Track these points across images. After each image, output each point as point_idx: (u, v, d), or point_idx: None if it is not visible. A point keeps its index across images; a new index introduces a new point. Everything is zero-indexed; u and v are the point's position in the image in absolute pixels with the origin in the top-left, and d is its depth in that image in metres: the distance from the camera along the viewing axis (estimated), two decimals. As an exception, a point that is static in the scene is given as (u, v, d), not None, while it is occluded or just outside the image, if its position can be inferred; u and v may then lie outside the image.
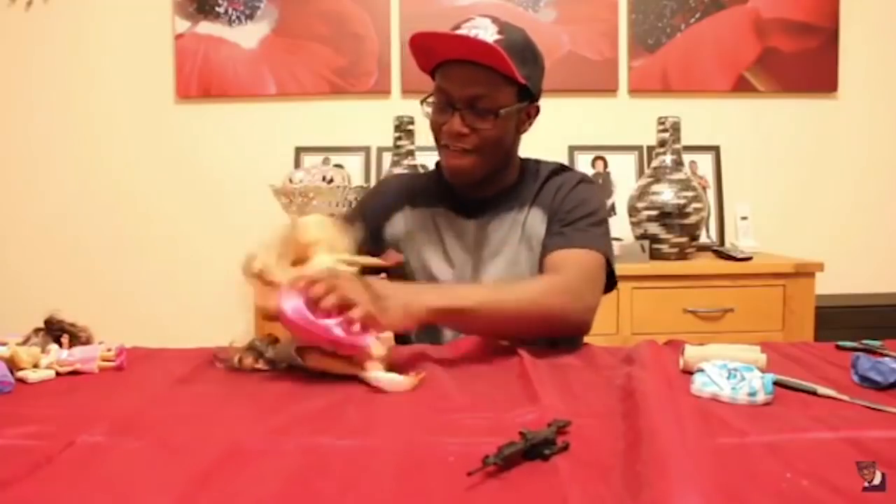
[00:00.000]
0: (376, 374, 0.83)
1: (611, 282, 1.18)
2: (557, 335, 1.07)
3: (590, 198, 1.22)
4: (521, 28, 1.17)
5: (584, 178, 1.25)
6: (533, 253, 1.20)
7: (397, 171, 2.16)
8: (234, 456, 0.61)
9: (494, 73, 1.10)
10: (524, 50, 1.14)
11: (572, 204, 1.19)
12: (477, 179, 1.18)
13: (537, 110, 1.22)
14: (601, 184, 2.42)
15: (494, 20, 1.13)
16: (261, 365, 0.92)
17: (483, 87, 1.10)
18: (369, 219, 1.26)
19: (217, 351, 0.96)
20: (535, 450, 0.60)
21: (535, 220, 1.21)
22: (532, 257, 1.20)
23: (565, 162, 2.38)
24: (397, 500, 0.53)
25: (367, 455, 0.61)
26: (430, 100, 1.17)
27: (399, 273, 1.21)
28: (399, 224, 1.27)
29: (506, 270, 1.19)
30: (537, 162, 1.29)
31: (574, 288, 1.08)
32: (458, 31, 1.11)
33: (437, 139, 1.18)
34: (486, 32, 1.10)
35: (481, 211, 1.22)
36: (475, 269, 1.20)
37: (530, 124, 1.23)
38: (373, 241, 1.26)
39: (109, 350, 0.96)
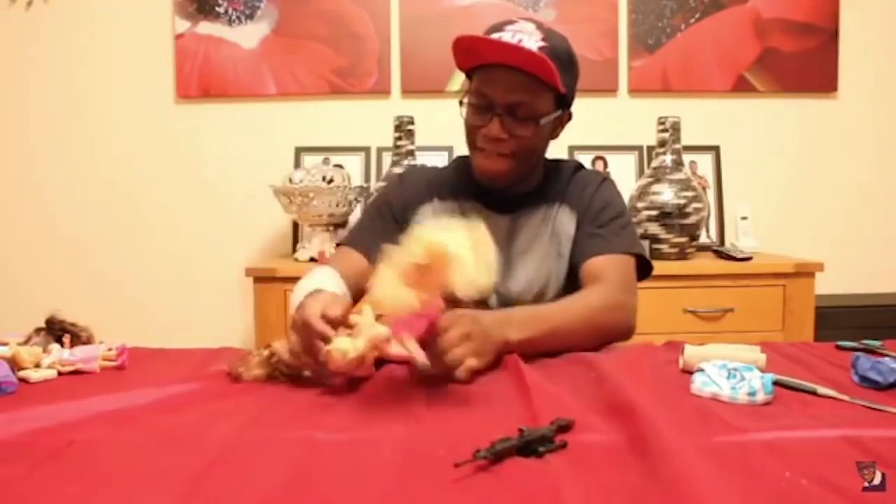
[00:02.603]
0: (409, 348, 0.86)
1: (647, 268, 1.22)
2: (606, 343, 1.08)
3: (615, 198, 1.25)
4: (563, 35, 1.17)
5: (606, 178, 1.28)
6: (561, 251, 1.20)
7: (397, 171, 2.17)
8: (233, 452, 0.61)
9: (536, 80, 1.10)
10: (567, 58, 1.14)
11: (601, 204, 1.21)
12: (508, 183, 1.19)
13: (570, 117, 1.23)
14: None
15: (539, 26, 1.13)
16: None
17: (525, 94, 1.11)
18: (397, 211, 1.26)
19: (231, 366, 0.89)
20: (530, 446, 0.60)
21: (565, 218, 1.22)
22: (560, 255, 1.20)
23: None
24: (393, 493, 0.54)
25: (364, 449, 0.61)
26: (466, 100, 1.16)
27: None
28: (427, 215, 1.25)
29: (535, 268, 1.19)
30: (556, 161, 1.30)
31: (619, 300, 1.10)
32: (502, 35, 1.10)
33: (471, 141, 1.18)
34: (531, 39, 1.10)
35: (513, 207, 1.22)
36: (506, 266, 1.19)
37: (562, 129, 1.23)
38: (400, 235, 1.24)
39: (111, 349, 0.96)
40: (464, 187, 1.25)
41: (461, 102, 1.17)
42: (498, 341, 0.93)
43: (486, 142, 1.14)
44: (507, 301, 1.17)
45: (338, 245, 1.30)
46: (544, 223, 1.22)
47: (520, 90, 1.11)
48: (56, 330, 0.97)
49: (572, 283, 1.18)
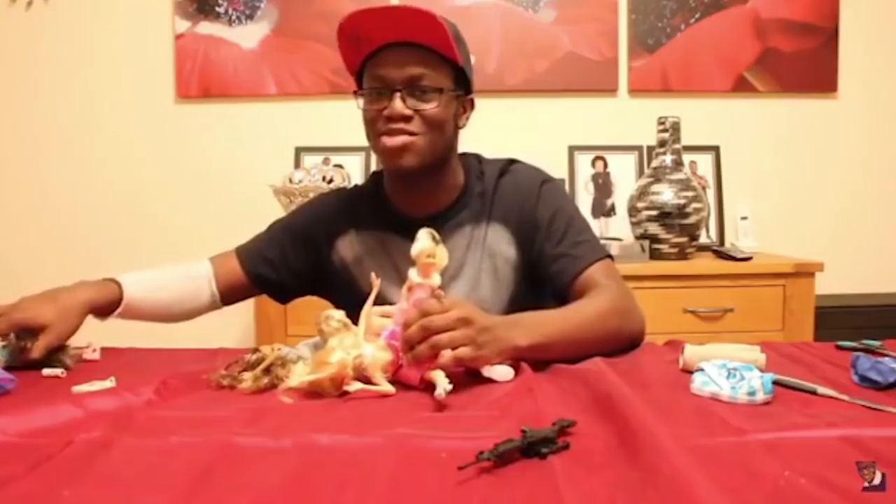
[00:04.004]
0: (488, 367, 0.86)
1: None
2: (619, 349, 1.01)
3: (560, 202, 1.15)
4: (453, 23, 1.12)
5: (544, 181, 1.17)
6: (497, 274, 1.13)
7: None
8: (232, 454, 0.61)
9: (432, 53, 1.05)
10: (459, 35, 1.09)
11: (548, 215, 1.12)
12: (418, 167, 1.07)
13: (472, 105, 1.16)
14: (605, 181, 2.42)
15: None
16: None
17: (423, 66, 1.05)
18: (309, 240, 1.21)
19: (229, 377, 0.86)
20: (533, 448, 0.60)
21: (498, 239, 1.14)
22: (496, 279, 1.13)
23: (565, 162, 2.40)
24: (393, 496, 0.54)
25: (365, 452, 0.61)
26: (362, 91, 1.09)
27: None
28: (347, 249, 1.19)
29: (466, 294, 1.11)
30: (479, 161, 1.21)
31: (626, 305, 1.05)
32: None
33: (372, 130, 1.08)
34: None
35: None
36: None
37: (467, 119, 1.15)
38: (315, 267, 1.21)
39: (87, 345, 1.00)
40: (380, 214, 1.17)
41: (356, 94, 1.09)
42: (504, 343, 0.87)
43: (390, 122, 1.05)
44: None
45: (237, 249, 1.26)
46: (474, 244, 1.13)
47: (417, 63, 1.05)
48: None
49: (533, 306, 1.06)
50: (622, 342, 1.02)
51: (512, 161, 1.21)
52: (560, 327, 0.95)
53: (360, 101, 1.09)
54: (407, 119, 1.05)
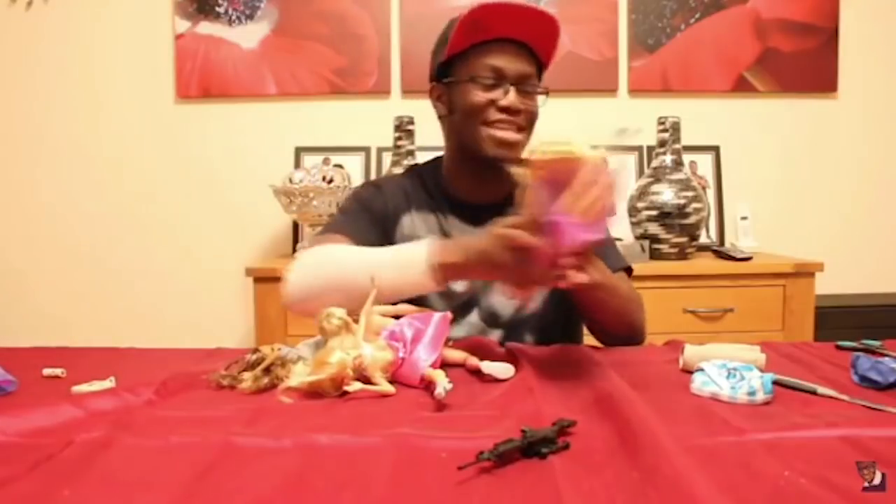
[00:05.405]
0: (488, 363, 0.87)
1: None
2: (624, 337, 1.11)
3: None
4: None
5: None
6: None
7: (397, 171, 2.17)
8: (232, 454, 0.61)
9: (534, 55, 1.13)
10: None
11: None
12: (517, 161, 1.10)
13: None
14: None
15: None
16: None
17: (531, 66, 1.13)
18: (378, 218, 1.20)
19: (229, 377, 0.85)
20: (533, 448, 0.60)
21: None
22: None
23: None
24: (392, 496, 0.54)
25: (365, 452, 0.61)
26: (467, 79, 1.12)
27: None
28: (408, 227, 1.20)
29: None
30: None
31: (641, 302, 1.15)
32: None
33: (479, 119, 1.11)
34: None
35: (487, 217, 1.14)
36: (486, 281, 1.16)
37: None
38: (383, 241, 1.19)
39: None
40: (437, 198, 1.21)
41: (469, 81, 1.11)
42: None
43: (500, 113, 1.10)
44: (490, 313, 1.16)
45: (320, 234, 1.21)
46: None
47: (528, 63, 1.12)
48: None
49: (555, 298, 1.17)
50: (632, 328, 1.11)
51: None
52: (616, 284, 1.08)
53: (470, 89, 1.12)
54: (518, 111, 1.11)
